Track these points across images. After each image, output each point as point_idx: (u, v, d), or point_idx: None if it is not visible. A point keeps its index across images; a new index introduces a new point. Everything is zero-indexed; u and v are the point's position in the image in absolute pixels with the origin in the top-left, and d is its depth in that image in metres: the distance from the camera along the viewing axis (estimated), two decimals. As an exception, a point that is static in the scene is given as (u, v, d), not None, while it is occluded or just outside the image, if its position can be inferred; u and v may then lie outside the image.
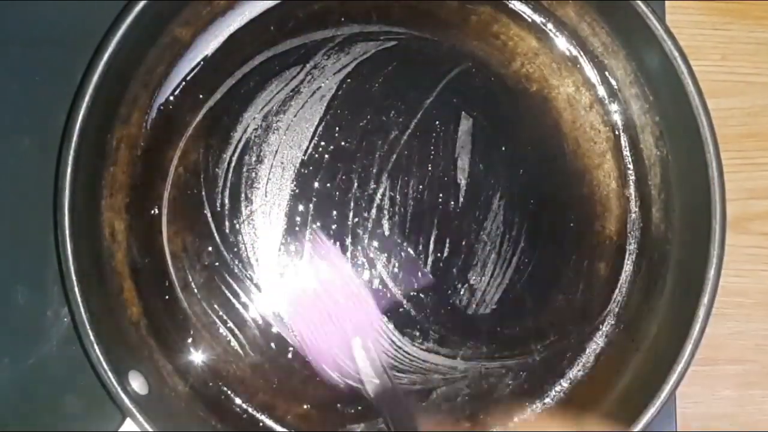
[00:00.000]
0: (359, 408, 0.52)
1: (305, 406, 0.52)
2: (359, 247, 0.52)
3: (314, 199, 0.52)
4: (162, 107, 0.51)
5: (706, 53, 0.57)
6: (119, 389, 0.45)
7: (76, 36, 0.51)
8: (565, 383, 0.53)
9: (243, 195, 0.52)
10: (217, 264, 0.51)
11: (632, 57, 0.52)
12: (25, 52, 0.52)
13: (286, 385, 0.51)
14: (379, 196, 0.52)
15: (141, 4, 0.46)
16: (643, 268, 0.53)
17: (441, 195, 0.53)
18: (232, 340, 0.51)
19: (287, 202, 0.52)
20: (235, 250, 0.51)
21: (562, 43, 0.53)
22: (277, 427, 0.51)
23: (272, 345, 0.51)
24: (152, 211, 0.51)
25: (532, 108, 0.53)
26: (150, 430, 0.45)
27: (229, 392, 0.51)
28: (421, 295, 0.52)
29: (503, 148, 0.53)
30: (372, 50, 0.53)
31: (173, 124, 0.51)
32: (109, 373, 0.45)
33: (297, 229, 0.52)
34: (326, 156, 0.52)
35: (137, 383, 0.47)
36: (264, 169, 0.52)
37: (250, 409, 0.51)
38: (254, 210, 0.52)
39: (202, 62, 0.51)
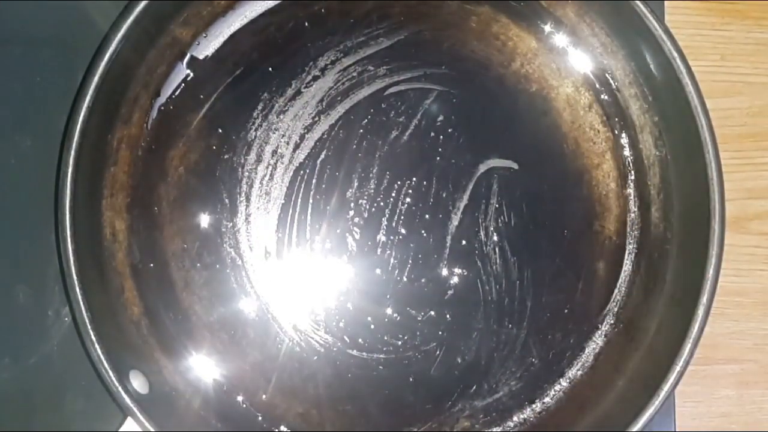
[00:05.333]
0: (359, 406, 0.52)
1: (305, 406, 0.52)
2: (359, 248, 0.52)
3: (314, 200, 0.52)
4: (162, 107, 0.51)
5: (705, 53, 0.57)
6: (120, 388, 0.45)
7: (76, 36, 0.51)
8: (564, 383, 0.53)
9: (243, 195, 0.52)
10: (217, 264, 0.51)
11: (632, 57, 0.52)
12: (26, 52, 0.52)
13: (286, 385, 0.51)
14: (379, 196, 0.52)
15: (141, 4, 0.46)
16: (642, 267, 0.53)
17: (441, 195, 0.53)
18: (232, 339, 0.51)
19: (287, 202, 0.52)
20: (235, 249, 0.51)
21: (561, 43, 0.53)
22: (277, 427, 0.51)
23: (272, 344, 0.52)
24: (152, 211, 0.51)
25: (532, 108, 0.54)
26: (151, 429, 0.45)
27: (229, 392, 0.51)
28: (420, 295, 0.52)
29: (503, 149, 0.53)
30: (372, 51, 0.53)
31: (173, 124, 0.51)
32: (110, 373, 0.45)
33: (297, 229, 0.52)
34: (326, 156, 0.52)
35: (138, 382, 0.47)
36: (264, 168, 0.52)
37: (250, 409, 0.51)
38: (254, 210, 0.52)
39: (202, 62, 0.51)
